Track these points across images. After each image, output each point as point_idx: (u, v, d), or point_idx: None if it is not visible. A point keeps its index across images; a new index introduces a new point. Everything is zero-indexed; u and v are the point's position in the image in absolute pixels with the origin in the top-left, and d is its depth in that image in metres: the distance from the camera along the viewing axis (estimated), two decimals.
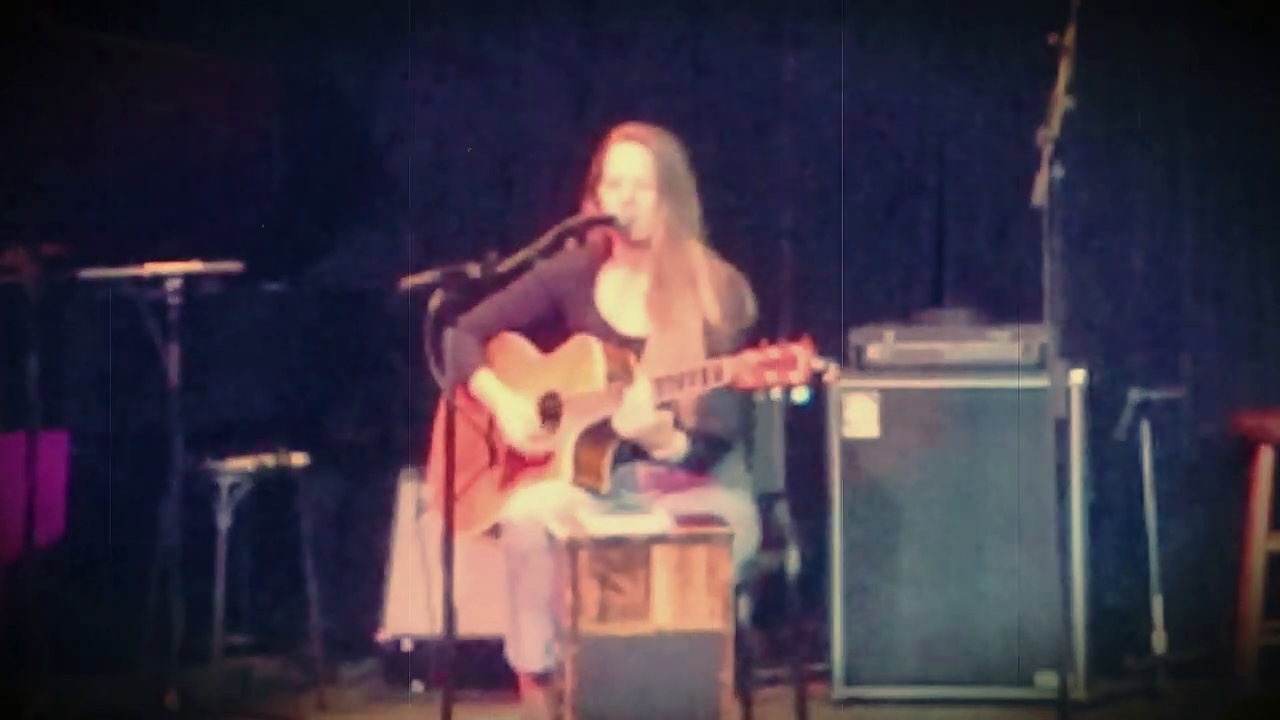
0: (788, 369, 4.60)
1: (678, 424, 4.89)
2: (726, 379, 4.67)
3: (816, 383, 4.68)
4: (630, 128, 5.08)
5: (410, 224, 6.64)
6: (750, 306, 4.99)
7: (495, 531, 4.94)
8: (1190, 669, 5.92)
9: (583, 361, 4.99)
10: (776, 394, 4.67)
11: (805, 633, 5.68)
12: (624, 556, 4.52)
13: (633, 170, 5.02)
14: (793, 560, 5.08)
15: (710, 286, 4.97)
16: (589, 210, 5.09)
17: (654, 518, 4.67)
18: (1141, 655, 5.89)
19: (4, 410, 5.46)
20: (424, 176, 6.68)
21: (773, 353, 4.62)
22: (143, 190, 5.98)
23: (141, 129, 6.00)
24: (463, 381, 5.05)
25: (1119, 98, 6.16)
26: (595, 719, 4.51)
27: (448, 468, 4.65)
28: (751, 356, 4.65)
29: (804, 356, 4.59)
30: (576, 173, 5.18)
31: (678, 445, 4.90)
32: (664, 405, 4.83)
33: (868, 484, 5.77)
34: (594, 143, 5.13)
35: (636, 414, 4.81)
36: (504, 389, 5.07)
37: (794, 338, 4.62)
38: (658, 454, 4.91)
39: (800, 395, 4.67)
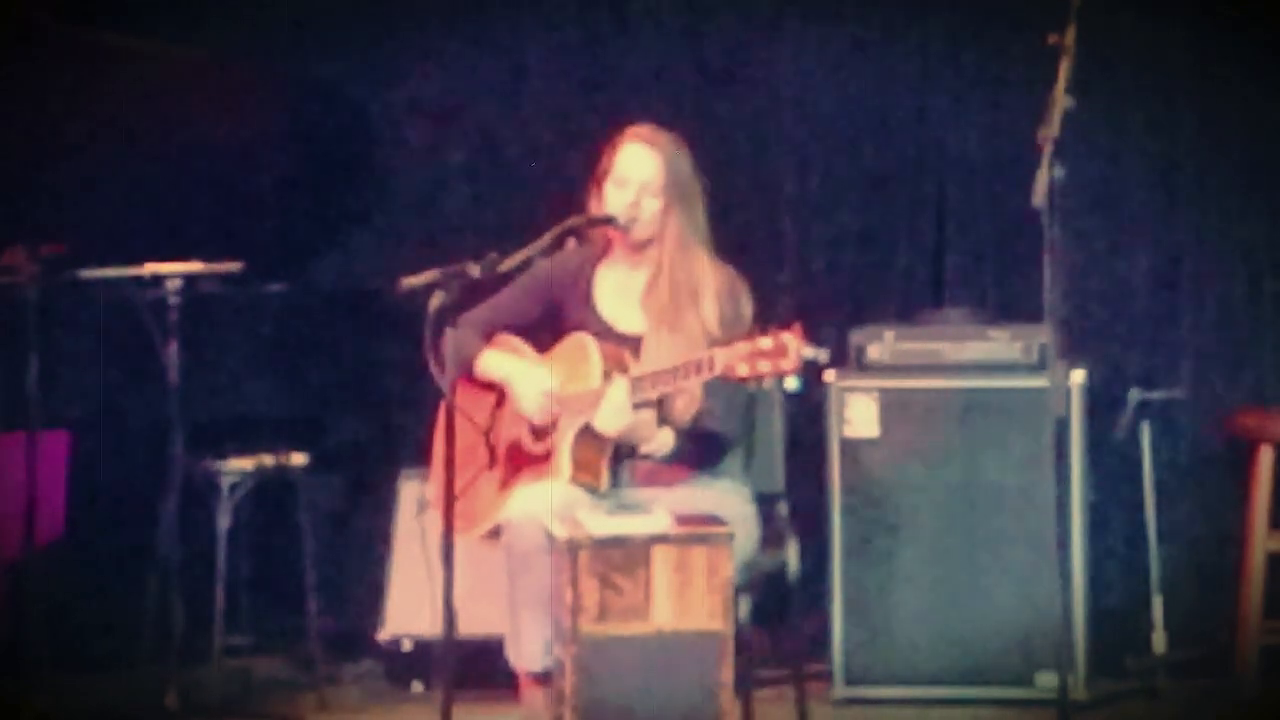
0: (779, 357, 4.60)
1: (672, 420, 4.90)
2: (719, 369, 4.67)
3: (808, 370, 4.69)
4: (643, 129, 5.07)
5: (410, 224, 6.65)
6: (747, 312, 4.98)
7: (495, 532, 4.94)
8: (1190, 669, 5.92)
9: (580, 360, 4.99)
10: (770, 383, 4.67)
11: (805, 633, 5.68)
12: (624, 556, 4.52)
13: (642, 173, 5.01)
14: (793, 560, 5.08)
15: (712, 295, 4.97)
16: (593, 205, 5.09)
17: (654, 518, 4.67)
18: (1141, 655, 5.89)
19: (4, 410, 5.46)
20: (423, 176, 6.68)
21: (764, 342, 4.62)
22: (143, 190, 5.98)
23: (141, 129, 5.99)
24: (465, 371, 5.04)
25: (1119, 98, 6.16)
26: (595, 719, 4.51)
27: (448, 468, 4.65)
28: (743, 346, 4.65)
29: (794, 344, 4.59)
30: (576, 172, 5.18)
31: (662, 440, 4.91)
32: (648, 403, 4.84)
33: (868, 484, 5.77)
34: (595, 142, 5.12)
35: (615, 413, 4.82)
36: (513, 359, 5.06)
37: (785, 326, 4.62)
38: (643, 449, 4.92)
39: (792, 384, 4.67)
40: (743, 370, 4.63)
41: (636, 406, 4.83)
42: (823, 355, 4.64)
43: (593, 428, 4.88)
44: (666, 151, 5.04)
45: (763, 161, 6.50)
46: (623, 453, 4.95)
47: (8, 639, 5.61)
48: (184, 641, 5.64)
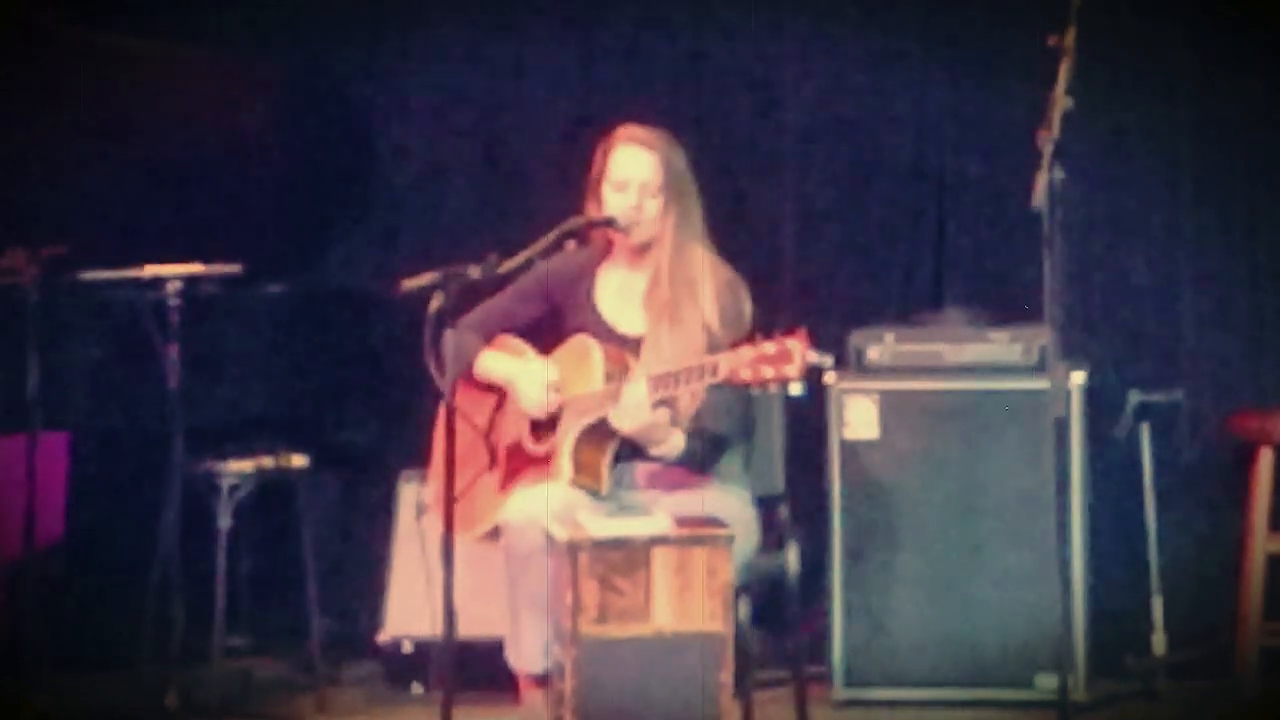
0: (783, 363, 4.59)
1: (675, 422, 4.89)
2: (722, 375, 4.67)
3: (813, 376, 4.68)
4: (636, 130, 5.07)
5: (410, 224, 6.65)
6: (748, 312, 4.98)
7: (495, 533, 4.94)
8: (1190, 669, 5.92)
9: (582, 362, 4.99)
10: (774, 389, 4.67)
11: (805, 634, 5.67)
12: (624, 558, 4.52)
13: (640, 175, 5.01)
14: (793, 561, 5.08)
15: (712, 292, 4.97)
16: (591, 210, 5.08)
17: (654, 519, 4.67)
18: (1141, 655, 5.89)
19: (4, 410, 5.46)
20: (424, 177, 6.68)
21: (768, 348, 4.62)
22: (143, 190, 5.98)
23: (141, 129, 6.00)
24: (465, 372, 5.03)
25: (1119, 98, 6.16)
26: None
27: (448, 469, 4.65)
28: (747, 352, 4.64)
29: (799, 350, 4.58)
30: (576, 173, 5.18)
31: (675, 442, 4.90)
32: (661, 403, 4.83)
33: (868, 485, 5.77)
34: (595, 142, 5.12)
35: (634, 411, 4.81)
36: (513, 358, 5.06)
37: (789, 332, 4.62)
38: (655, 451, 4.91)
39: (797, 389, 4.67)
40: (747, 375, 4.62)
41: (655, 405, 4.82)
42: (827, 361, 4.64)
43: (600, 427, 4.87)
44: (662, 151, 5.04)
45: (763, 162, 6.50)
46: (623, 454, 4.95)
47: (8, 639, 5.61)
48: (184, 642, 5.64)
